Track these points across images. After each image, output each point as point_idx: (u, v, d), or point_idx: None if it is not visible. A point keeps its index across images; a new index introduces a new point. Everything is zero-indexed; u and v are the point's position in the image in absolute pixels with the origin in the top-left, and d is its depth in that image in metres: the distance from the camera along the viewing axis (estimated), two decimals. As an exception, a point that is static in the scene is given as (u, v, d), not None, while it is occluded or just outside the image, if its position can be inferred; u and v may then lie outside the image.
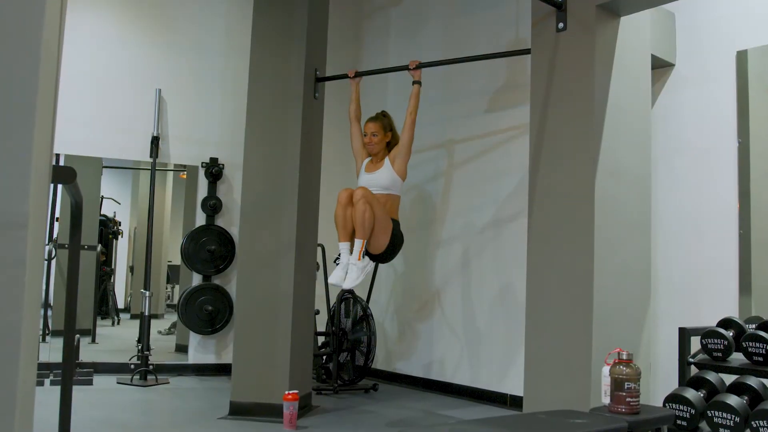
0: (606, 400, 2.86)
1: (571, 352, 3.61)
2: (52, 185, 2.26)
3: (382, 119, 4.46)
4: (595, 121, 3.67)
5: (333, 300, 5.78)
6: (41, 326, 6.05)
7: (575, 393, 3.54)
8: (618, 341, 3.52)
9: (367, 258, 4.17)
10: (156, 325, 7.18)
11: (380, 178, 4.31)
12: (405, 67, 4.50)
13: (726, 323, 3.70)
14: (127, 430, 4.17)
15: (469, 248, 5.60)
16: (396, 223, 4.28)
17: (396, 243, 4.26)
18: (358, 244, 4.12)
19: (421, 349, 5.93)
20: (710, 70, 4.44)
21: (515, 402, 5.01)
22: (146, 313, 5.74)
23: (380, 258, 4.31)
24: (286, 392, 4.23)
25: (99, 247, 6.88)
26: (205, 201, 6.28)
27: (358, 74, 4.68)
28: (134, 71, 6.20)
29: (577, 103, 3.74)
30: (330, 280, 4.13)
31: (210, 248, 6.18)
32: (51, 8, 1.42)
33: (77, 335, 5.42)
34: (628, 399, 2.73)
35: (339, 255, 4.17)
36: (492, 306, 5.36)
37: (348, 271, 4.11)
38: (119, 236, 8.15)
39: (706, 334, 3.64)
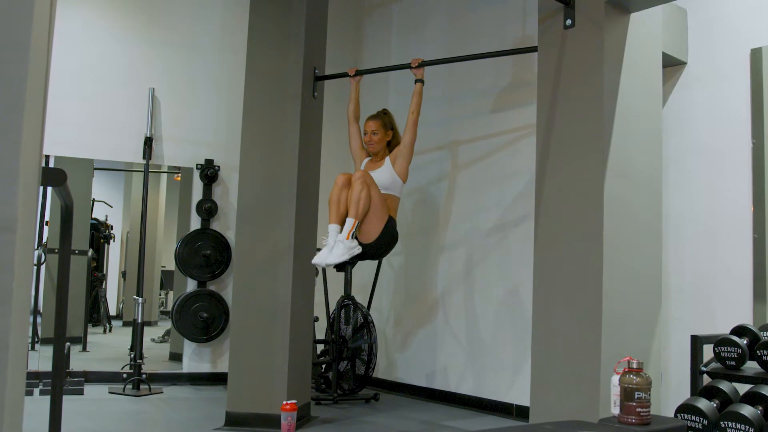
0: (615, 410, 2.85)
1: (580, 360, 3.61)
2: (41, 188, 2.26)
3: (383, 117, 4.48)
4: (605, 121, 3.67)
5: (332, 307, 5.78)
6: (30, 334, 6.06)
7: (584, 403, 3.54)
8: (628, 349, 3.52)
9: (355, 240, 4.18)
10: (149, 333, 7.19)
11: (379, 178, 4.33)
12: (407, 66, 4.51)
13: (740, 331, 3.69)
14: (119, 441, 4.18)
15: (473, 253, 5.60)
16: (392, 221, 4.31)
17: (389, 239, 4.27)
18: (350, 222, 4.16)
19: (423, 358, 5.93)
20: (723, 69, 4.44)
21: (521, 412, 5.00)
22: (139, 321, 5.74)
23: (369, 250, 4.32)
24: (284, 402, 4.23)
25: (90, 252, 6.89)
26: (200, 204, 6.28)
27: (359, 73, 4.69)
28: (127, 70, 6.21)
29: (585, 103, 3.74)
30: (313, 261, 4.15)
31: (205, 253, 6.18)
32: (40, 4, 1.42)
33: (67, 343, 5.42)
34: (638, 409, 2.72)
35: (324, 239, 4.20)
36: (497, 313, 5.35)
37: (334, 248, 4.14)
38: (111, 240, 8.16)
39: (719, 341, 3.64)
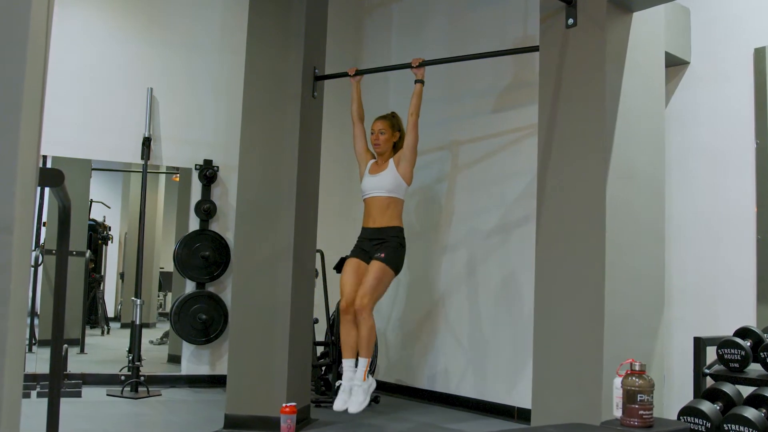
0: (618, 413, 2.85)
1: (582, 362, 3.61)
2: (38, 188, 2.26)
3: (391, 119, 4.49)
4: (607, 121, 3.67)
5: (332, 308, 5.77)
6: (27, 336, 6.05)
7: (585, 405, 3.54)
8: (630, 351, 3.52)
9: (371, 377, 4.20)
10: (147, 335, 7.19)
11: (384, 181, 4.32)
12: (408, 65, 4.50)
13: (743, 332, 3.69)
14: (117, 444, 4.17)
15: (474, 254, 5.60)
16: (399, 230, 4.33)
17: (400, 259, 4.33)
18: (363, 363, 4.13)
19: (424, 360, 5.92)
20: (727, 68, 4.44)
21: (523, 415, 5.00)
22: (137, 322, 5.74)
23: None
24: (284, 405, 4.23)
25: (88, 253, 6.89)
26: (198, 205, 6.28)
27: (359, 72, 4.68)
28: (125, 69, 6.21)
29: (587, 103, 3.74)
30: (335, 408, 4.11)
31: (204, 254, 6.18)
32: (38, 4, 1.42)
33: (65, 345, 5.42)
34: (640, 412, 2.72)
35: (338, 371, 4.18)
36: (499, 314, 5.35)
37: (352, 393, 4.10)
38: (109, 242, 8.16)
39: (723, 344, 3.64)
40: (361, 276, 4.24)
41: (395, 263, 4.27)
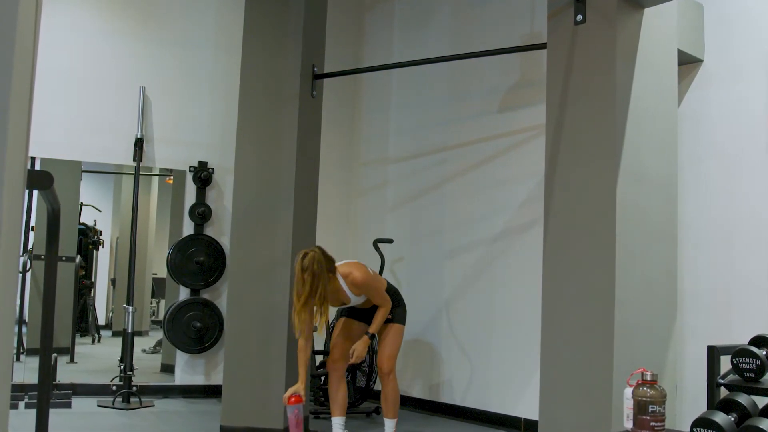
0: (628, 424, 2.85)
1: (591, 372, 3.60)
2: (27, 191, 2.26)
3: (304, 283, 3.91)
4: (617, 121, 3.67)
5: (332, 316, 5.77)
6: (15, 344, 6.06)
7: (595, 417, 3.54)
8: (641, 360, 3.52)
9: None
10: (140, 343, 7.18)
11: (354, 301, 4.30)
12: (410, 63, 4.51)
13: (759, 341, 3.69)
14: (108, 457, 4.17)
15: (479, 260, 5.59)
16: (395, 293, 4.42)
17: (404, 312, 4.47)
18: (391, 425, 4.33)
19: (427, 370, 5.92)
20: (741, 67, 4.44)
21: (530, 427, 4.99)
22: (129, 330, 5.74)
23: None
24: (289, 395, 3.97)
25: (78, 259, 6.89)
26: (193, 208, 6.28)
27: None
28: (116, 67, 6.21)
29: (597, 102, 3.74)
30: None
31: (198, 260, 6.18)
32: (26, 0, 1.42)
33: (54, 354, 5.42)
34: (652, 423, 2.72)
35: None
36: (504, 322, 5.35)
37: None
38: (100, 246, 8.16)
39: (737, 352, 3.63)
40: (353, 335, 4.36)
41: (402, 318, 4.42)
